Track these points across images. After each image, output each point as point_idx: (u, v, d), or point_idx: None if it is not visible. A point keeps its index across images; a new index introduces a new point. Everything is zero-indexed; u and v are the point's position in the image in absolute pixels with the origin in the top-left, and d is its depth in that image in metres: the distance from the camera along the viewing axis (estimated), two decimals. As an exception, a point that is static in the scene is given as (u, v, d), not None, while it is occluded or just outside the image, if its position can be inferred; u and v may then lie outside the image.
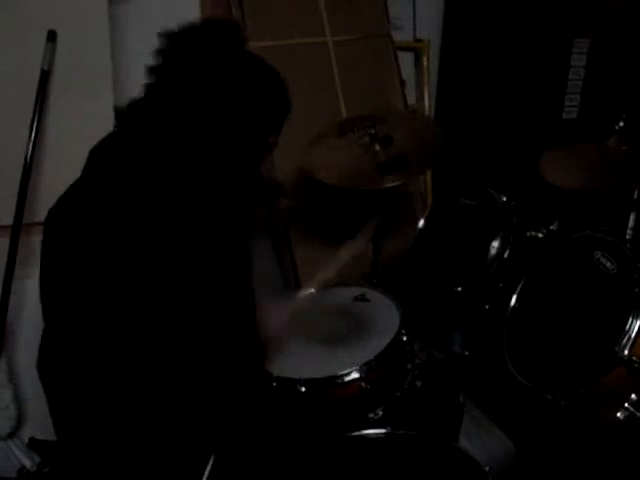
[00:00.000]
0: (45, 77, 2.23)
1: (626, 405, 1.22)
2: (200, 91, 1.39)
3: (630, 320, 1.53)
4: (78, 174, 1.43)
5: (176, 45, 1.40)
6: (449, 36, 3.27)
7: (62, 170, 1.46)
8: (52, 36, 2.22)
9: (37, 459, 2.33)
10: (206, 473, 1.38)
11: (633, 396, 1.22)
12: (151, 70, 1.41)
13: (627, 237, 2.05)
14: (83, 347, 1.35)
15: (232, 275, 1.39)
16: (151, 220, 1.31)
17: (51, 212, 1.42)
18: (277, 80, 1.50)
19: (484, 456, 1.81)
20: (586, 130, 2.93)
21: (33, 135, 2.24)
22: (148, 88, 1.42)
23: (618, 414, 1.22)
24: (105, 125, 1.49)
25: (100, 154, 1.42)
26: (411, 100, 3.20)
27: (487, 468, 1.54)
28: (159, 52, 1.40)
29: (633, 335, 1.52)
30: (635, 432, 1.20)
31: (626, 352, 1.50)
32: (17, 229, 2.23)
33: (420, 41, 3.25)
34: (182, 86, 1.39)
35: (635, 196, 2.04)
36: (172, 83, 1.40)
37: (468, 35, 3.17)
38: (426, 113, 3.25)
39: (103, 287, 1.31)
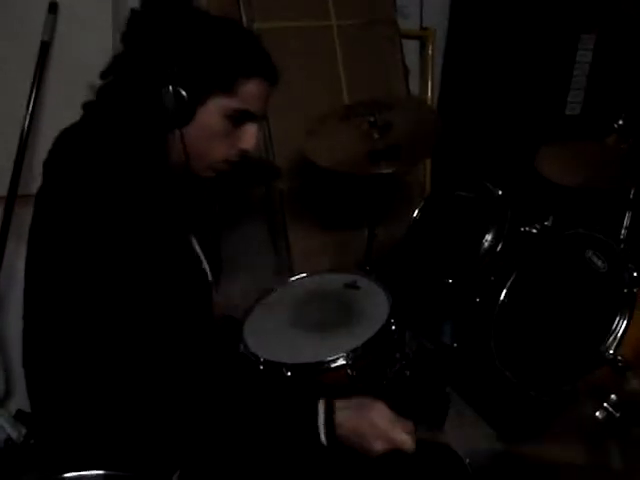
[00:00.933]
0: (45, 48, 2.22)
1: (605, 405, 1.23)
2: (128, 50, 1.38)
3: (617, 320, 1.54)
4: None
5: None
6: (455, 26, 3.26)
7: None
8: (53, 7, 2.21)
9: (23, 430, 2.35)
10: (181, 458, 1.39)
11: (613, 396, 1.23)
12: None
13: (621, 237, 2.05)
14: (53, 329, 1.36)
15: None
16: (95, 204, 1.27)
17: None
18: (209, 27, 1.38)
19: (466, 448, 1.82)
20: (589, 127, 2.92)
21: (31, 107, 2.24)
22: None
23: (597, 413, 1.23)
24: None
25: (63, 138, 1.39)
26: (414, 89, 3.19)
27: (467, 461, 1.55)
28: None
29: (619, 335, 1.52)
30: (613, 431, 1.21)
31: (611, 352, 1.51)
32: (12, 200, 2.23)
33: (426, 30, 3.23)
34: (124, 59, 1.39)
35: (631, 196, 2.04)
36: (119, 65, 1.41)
37: (474, 26, 3.15)
38: (429, 103, 3.23)
39: (60, 271, 1.30)
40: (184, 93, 1.34)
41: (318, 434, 1.30)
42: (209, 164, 1.46)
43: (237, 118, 1.42)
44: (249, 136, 1.46)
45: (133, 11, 1.40)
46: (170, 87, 1.33)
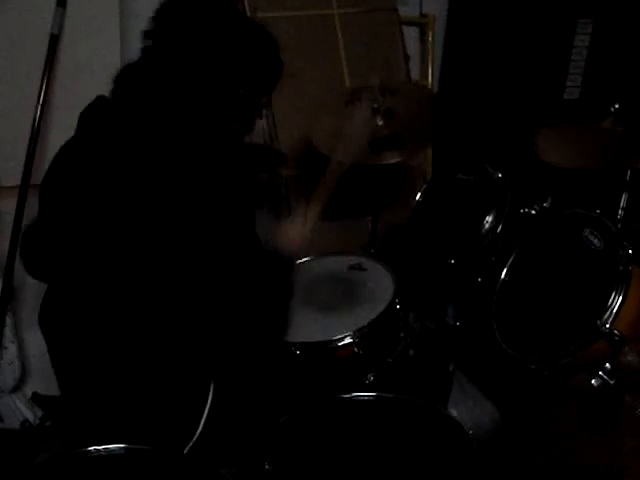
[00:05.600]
0: (54, 41, 2.27)
1: (600, 373, 1.29)
2: (195, 51, 1.43)
3: (613, 295, 1.59)
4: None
5: (170, 9, 1.44)
6: (455, 13, 3.28)
7: (70, 133, 1.51)
8: (62, 1, 2.26)
9: (39, 413, 2.41)
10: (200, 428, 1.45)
11: (607, 365, 1.30)
12: (147, 34, 1.46)
13: (618, 217, 2.09)
14: (85, 298, 1.44)
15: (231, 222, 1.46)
16: (144, 175, 1.37)
17: (47, 172, 1.50)
18: (269, 41, 1.53)
19: (470, 423, 1.88)
20: (587, 111, 2.95)
21: (42, 98, 2.28)
22: (143, 51, 1.48)
23: (593, 381, 1.29)
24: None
25: (91, 116, 1.47)
26: (415, 76, 3.22)
27: (471, 432, 1.61)
28: (154, 17, 1.45)
29: (615, 310, 1.58)
30: (608, 398, 1.27)
31: (607, 326, 1.56)
32: (24, 190, 2.28)
33: (426, 16, 3.26)
34: (177, 47, 1.43)
35: (627, 177, 2.08)
36: (167, 45, 1.45)
37: (473, 12, 3.18)
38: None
39: (98, 239, 1.38)
40: (246, 95, 1.49)
41: None
42: None
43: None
44: None
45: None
46: (239, 90, 1.47)
